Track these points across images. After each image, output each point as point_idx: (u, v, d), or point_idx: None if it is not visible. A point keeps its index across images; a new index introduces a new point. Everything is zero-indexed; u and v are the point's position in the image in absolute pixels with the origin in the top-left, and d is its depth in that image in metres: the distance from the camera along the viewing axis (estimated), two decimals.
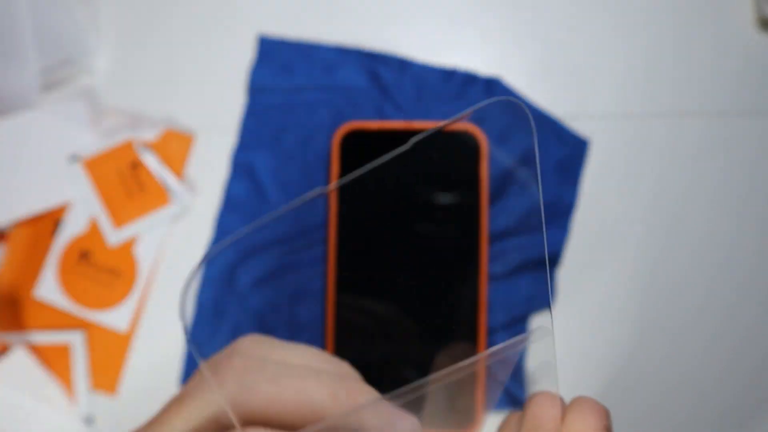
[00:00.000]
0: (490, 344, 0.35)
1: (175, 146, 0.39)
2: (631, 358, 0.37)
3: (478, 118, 0.38)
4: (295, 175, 0.38)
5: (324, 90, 0.39)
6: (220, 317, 0.37)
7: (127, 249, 0.38)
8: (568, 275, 0.37)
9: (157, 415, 0.23)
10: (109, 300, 0.37)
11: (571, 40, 0.40)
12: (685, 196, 0.38)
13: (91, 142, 0.38)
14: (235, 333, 0.36)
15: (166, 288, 0.38)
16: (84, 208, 0.38)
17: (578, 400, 0.22)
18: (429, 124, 0.36)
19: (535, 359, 0.35)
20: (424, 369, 0.34)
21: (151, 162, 0.38)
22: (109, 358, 0.38)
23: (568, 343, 0.37)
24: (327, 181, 0.38)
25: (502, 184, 0.37)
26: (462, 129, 0.36)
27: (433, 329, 0.34)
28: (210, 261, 0.38)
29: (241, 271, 0.37)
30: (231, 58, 0.40)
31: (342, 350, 0.34)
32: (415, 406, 0.28)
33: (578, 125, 0.39)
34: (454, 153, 0.36)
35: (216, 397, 0.22)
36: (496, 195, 0.37)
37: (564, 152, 0.38)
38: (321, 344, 0.36)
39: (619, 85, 0.39)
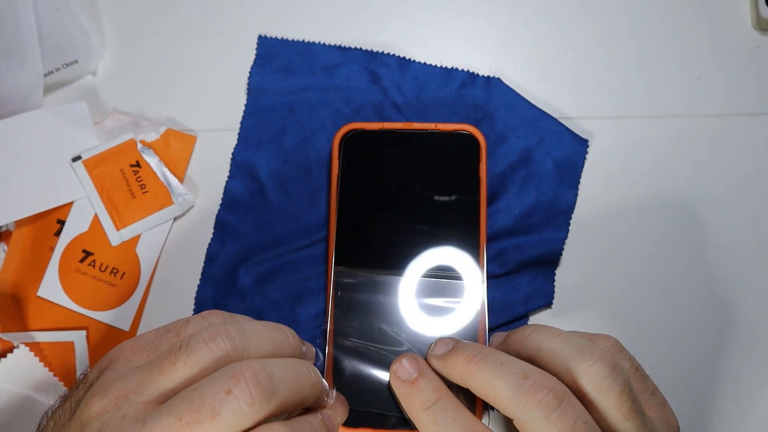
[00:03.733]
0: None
1: (177, 146, 0.39)
2: None
3: (477, 119, 0.38)
4: (295, 175, 0.38)
5: (324, 90, 0.39)
6: None
7: (129, 248, 0.38)
8: (566, 275, 0.37)
9: None
10: (112, 299, 0.38)
11: (571, 40, 0.40)
12: (685, 196, 0.38)
13: (94, 143, 0.39)
14: None
15: (168, 287, 0.38)
16: (86, 208, 0.38)
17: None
18: (429, 125, 0.36)
19: None
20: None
21: (153, 162, 0.38)
22: None
23: None
24: (327, 181, 0.38)
25: (502, 184, 0.37)
26: (462, 129, 0.36)
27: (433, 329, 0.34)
28: (211, 259, 0.38)
29: (242, 270, 0.37)
30: (231, 58, 0.40)
31: (342, 348, 0.34)
32: None
33: (578, 125, 0.39)
34: (454, 153, 0.36)
35: None
36: (495, 195, 0.37)
37: (564, 152, 0.38)
38: (322, 343, 0.36)
39: (619, 85, 0.39)
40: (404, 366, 0.28)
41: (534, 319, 0.37)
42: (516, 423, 0.25)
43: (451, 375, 0.28)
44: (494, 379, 0.25)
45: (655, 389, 0.29)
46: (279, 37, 0.40)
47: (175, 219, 0.39)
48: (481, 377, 0.26)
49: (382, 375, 0.33)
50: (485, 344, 0.33)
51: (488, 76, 0.39)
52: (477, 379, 0.26)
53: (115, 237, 0.38)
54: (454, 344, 0.29)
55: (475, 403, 0.32)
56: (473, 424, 0.26)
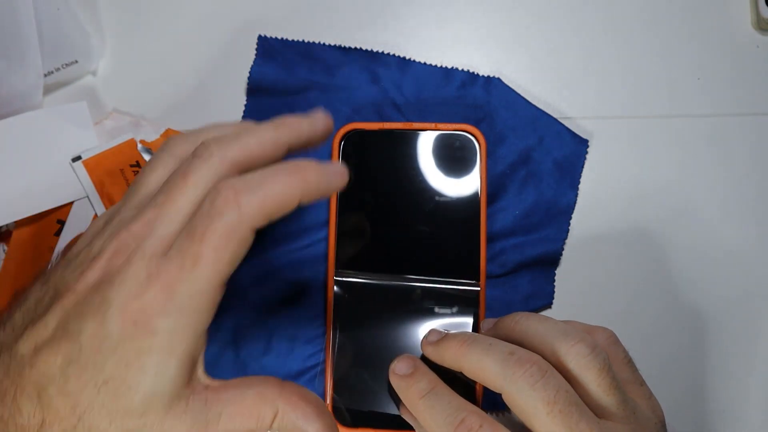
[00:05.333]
0: None
1: None
2: None
3: (477, 119, 0.38)
4: None
5: (324, 90, 0.39)
6: (221, 313, 0.38)
7: None
8: (567, 275, 0.37)
9: None
10: None
11: (571, 40, 0.40)
12: (684, 196, 0.38)
13: (94, 143, 0.39)
14: (237, 329, 0.37)
15: None
16: (86, 208, 0.38)
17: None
18: (429, 125, 0.36)
19: None
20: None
21: None
22: None
23: None
24: None
25: (501, 184, 0.37)
26: (462, 129, 0.36)
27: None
28: None
29: (243, 268, 0.38)
30: (231, 58, 0.40)
31: (341, 349, 0.34)
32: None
33: (578, 125, 0.39)
34: (454, 153, 0.36)
35: None
36: (495, 195, 0.37)
37: (564, 152, 0.38)
38: (322, 343, 0.36)
39: (619, 85, 0.39)
40: (401, 363, 0.31)
41: None
42: (504, 397, 0.27)
43: (445, 358, 0.30)
44: (484, 357, 0.28)
45: (643, 382, 0.30)
46: (279, 37, 0.40)
47: None
48: (472, 357, 0.28)
49: (382, 375, 0.33)
50: None
51: (488, 76, 0.39)
52: (468, 359, 0.28)
53: None
54: (446, 333, 0.31)
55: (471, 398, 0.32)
56: (467, 405, 0.28)
